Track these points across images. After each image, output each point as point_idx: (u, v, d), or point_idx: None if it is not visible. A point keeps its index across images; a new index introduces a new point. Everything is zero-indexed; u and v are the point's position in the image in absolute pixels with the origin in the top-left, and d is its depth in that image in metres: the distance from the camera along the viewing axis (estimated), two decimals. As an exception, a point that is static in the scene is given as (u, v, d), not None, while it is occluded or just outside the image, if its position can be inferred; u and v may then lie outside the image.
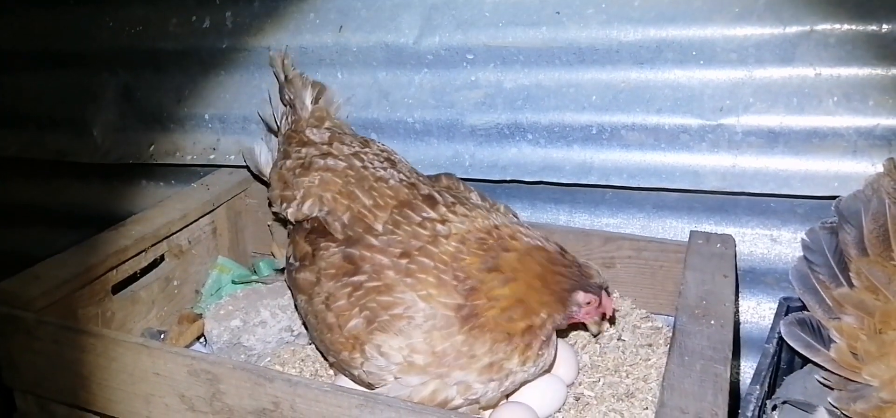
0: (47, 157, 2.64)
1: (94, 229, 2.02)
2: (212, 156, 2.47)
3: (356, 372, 1.62)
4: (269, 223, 2.40)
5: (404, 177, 1.84)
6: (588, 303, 1.62)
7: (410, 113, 2.23)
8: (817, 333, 1.61)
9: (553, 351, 1.67)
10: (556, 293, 1.59)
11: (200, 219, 2.25)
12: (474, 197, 1.88)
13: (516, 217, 1.86)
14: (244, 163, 2.40)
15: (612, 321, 1.70)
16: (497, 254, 1.60)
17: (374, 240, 1.67)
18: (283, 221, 2.01)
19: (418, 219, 1.69)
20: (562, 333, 1.91)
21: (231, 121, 2.44)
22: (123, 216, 2.10)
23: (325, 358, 1.76)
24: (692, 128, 1.97)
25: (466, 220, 1.68)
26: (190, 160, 2.49)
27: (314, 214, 1.82)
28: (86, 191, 2.76)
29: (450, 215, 1.69)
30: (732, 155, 1.95)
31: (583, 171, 2.09)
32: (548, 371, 1.70)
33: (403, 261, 1.61)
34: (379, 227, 1.69)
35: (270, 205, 2.02)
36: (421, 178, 1.89)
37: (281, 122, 2.13)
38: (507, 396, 1.69)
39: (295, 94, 2.09)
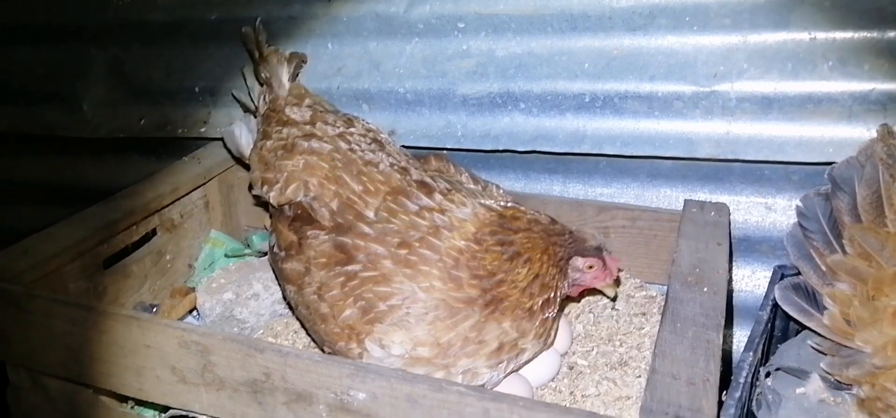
0: (37, 133, 2.62)
1: (87, 205, 2.00)
2: (203, 130, 2.45)
3: None
4: (261, 197, 2.39)
5: (394, 161, 1.79)
6: (590, 268, 1.63)
7: (401, 83, 2.20)
8: (812, 298, 1.62)
9: (556, 322, 1.69)
10: (557, 263, 1.60)
11: (192, 193, 2.23)
12: (465, 179, 1.85)
13: (506, 194, 1.84)
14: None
15: (617, 281, 1.70)
16: (511, 239, 1.58)
17: (367, 228, 1.62)
18: (265, 204, 1.97)
19: (414, 207, 1.64)
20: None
21: (222, 94, 2.41)
22: (116, 191, 2.08)
23: (321, 349, 1.74)
24: (686, 95, 1.95)
25: (467, 211, 1.64)
26: (181, 133, 2.47)
27: (298, 199, 1.76)
28: (78, 167, 2.75)
29: (447, 204, 1.65)
30: (726, 121, 1.93)
31: (576, 140, 2.07)
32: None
33: (402, 252, 1.57)
34: (371, 215, 1.65)
35: (251, 187, 1.97)
36: (411, 162, 1.84)
37: (258, 101, 2.09)
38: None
39: (271, 73, 2.05)
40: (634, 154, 2.04)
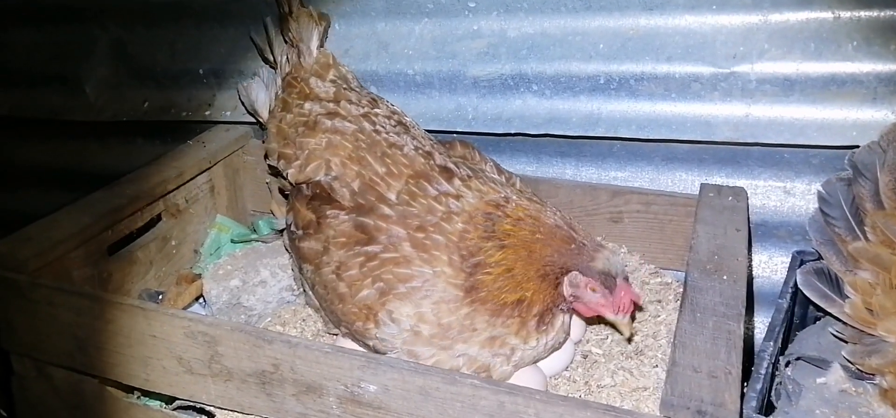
0: (40, 116, 2.58)
1: (91, 189, 1.98)
2: (208, 113, 2.41)
3: (371, 342, 1.58)
4: (267, 180, 2.35)
5: (419, 145, 1.76)
6: (593, 290, 1.49)
7: (411, 64, 2.15)
8: (834, 284, 1.60)
9: (557, 334, 1.59)
10: (541, 268, 1.50)
11: (197, 177, 2.20)
12: (489, 168, 1.82)
13: (533, 194, 1.76)
14: (242, 120, 2.35)
15: (632, 318, 1.58)
16: (496, 222, 1.55)
17: (388, 210, 1.61)
18: (277, 173, 1.95)
19: (434, 192, 1.62)
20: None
21: (227, 76, 2.37)
22: (120, 176, 2.05)
23: (336, 329, 1.71)
24: (704, 76, 1.90)
25: (478, 196, 1.61)
26: (185, 116, 2.43)
27: (318, 179, 1.74)
28: (81, 151, 2.71)
29: (464, 190, 1.63)
30: (746, 104, 1.89)
31: (590, 123, 2.03)
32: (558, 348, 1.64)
33: (420, 235, 1.56)
34: (392, 197, 1.63)
35: (266, 156, 1.95)
36: (436, 146, 1.81)
37: (280, 59, 2.03)
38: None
39: (300, 35, 1.98)
40: (650, 137, 1.99)
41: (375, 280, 1.55)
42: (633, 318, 1.59)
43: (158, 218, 2.10)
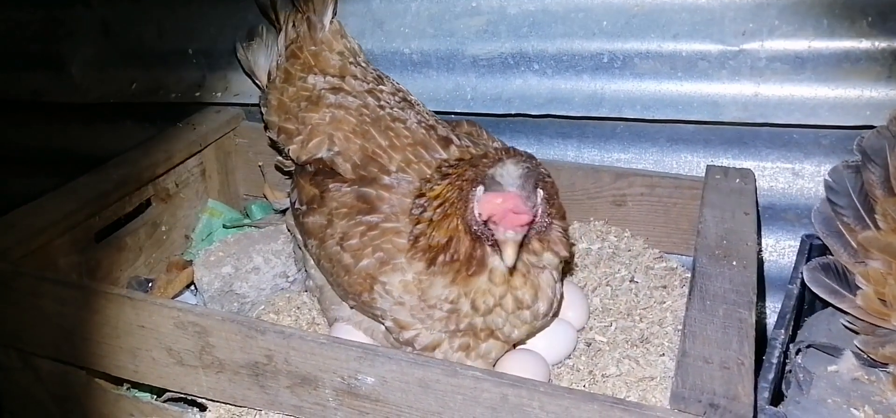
0: (24, 98, 2.52)
1: (77, 174, 1.93)
2: (198, 94, 2.34)
3: (378, 314, 1.55)
4: (260, 164, 2.29)
5: (422, 120, 1.75)
6: (489, 204, 1.32)
7: (407, 43, 2.10)
8: (842, 278, 1.56)
9: (529, 291, 1.46)
10: (461, 189, 1.41)
11: (187, 161, 2.15)
12: (496, 144, 1.78)
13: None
14: (233, 101, 2.29)
15: (518, 246, 1.35)
16: (451, 164, 1.52)
17: (389, 180, 1.60)
18: (275, 147, 1.92)
19: (429, 158, 1.62)
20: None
21: (217, 56, 2.30)
22: (108, 160, 2.00)
23: (345, 301, 1.66)
24: (712, 54, 1.85)
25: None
26: (174, 98, 2.37)
27: (320, 155, 1.72)
28: (67, 134, 2.64)
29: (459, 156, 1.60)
30: (755, 83, 1.84)
31: (593, 103, 1.98)
32: (526, 308, 1.50)
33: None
34: (393, 168, 1.62)
35: (266, 128, 1.92)
36: (440, 122, 1.79)
37: (283, 20, 1.95)
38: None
39: (314, 7, 1.91)
40: (655, 118, 1.95)
41: (375, 249, 1.53)
42: (525, 247, 1.42)
43: (148, 203, 2.05)
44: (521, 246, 1.38)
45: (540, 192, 1.37)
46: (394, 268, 1.51)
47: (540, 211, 1.37)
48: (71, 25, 2.40)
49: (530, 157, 1.43)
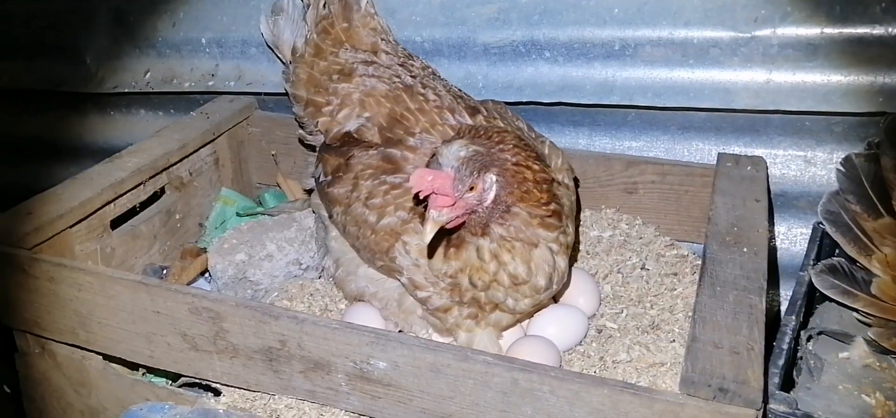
0: (40, 87, 2.54)
1: (92, 162, 1.95)
2: (210, 83, 2.35)
3: (396, 270, 1.58)
4: (273, 152, 2.30)
5: (452, 91, 1.79)
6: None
7: (418, 31, 2.10)
8: (851, 277, 1.54)
9: (523, 261, 1.46)
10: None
11: (201, 150, 2.16)
12: (520, 124, 1.77)
13: (563, 157, 1.69)
14: (246, 90, 2.30)
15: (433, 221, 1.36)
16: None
17: (414, 141, 1.64)
18: (299, 122, 1.94)
19: (454, 122, 1.65)
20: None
21: (230, 45, 2.31)
22: (123, 148, 2.02)
23: (372, 265, 1.68)
24: (723, 41, 1.84)
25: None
26: (188, 87, 2.38)
27: (348, 128, 1.75)
28: (82, 123, 2.66)
29: (484, 125, 1.61)
30: (767, 70, 1.83)
31: (604, 91, 1.97)
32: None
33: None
34: (418, 129, 1.66)
35: (294, 102, 1.93)
36: (467, 96, 1.83)
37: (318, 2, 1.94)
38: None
39: None
40: (667, 105, 1.94)
41: (397, 208, 1.57)
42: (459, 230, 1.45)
43: (162, 191, 2.06)
44: (485, 228, 1.42)
45: (490, 177, 1.38)
46: (415, 229, 1.54)
47: (489, 197, 1.39)
48: (86, 15, 2.41)
49: (508, 139, 1.45)
